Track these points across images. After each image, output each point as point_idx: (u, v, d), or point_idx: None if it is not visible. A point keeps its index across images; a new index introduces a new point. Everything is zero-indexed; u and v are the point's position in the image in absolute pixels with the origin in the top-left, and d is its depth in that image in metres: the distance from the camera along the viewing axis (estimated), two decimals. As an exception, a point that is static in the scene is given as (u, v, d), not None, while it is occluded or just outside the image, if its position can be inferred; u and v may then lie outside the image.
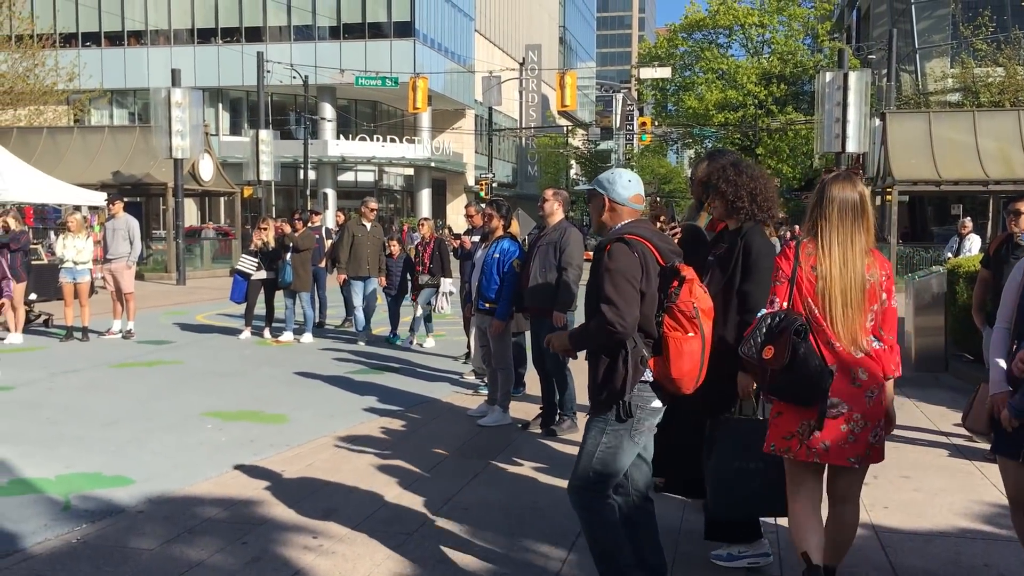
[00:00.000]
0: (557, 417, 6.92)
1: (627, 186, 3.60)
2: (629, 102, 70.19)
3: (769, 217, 4.18)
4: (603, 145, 67.61)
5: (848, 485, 3.54)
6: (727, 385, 3.88)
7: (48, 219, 19.98)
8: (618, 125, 65.82)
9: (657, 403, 3.49)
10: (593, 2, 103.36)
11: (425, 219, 12.06)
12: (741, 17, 49.21)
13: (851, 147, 21.61)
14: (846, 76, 21.64)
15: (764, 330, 3.35)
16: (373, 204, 12.61)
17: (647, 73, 49.73)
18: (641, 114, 58.81)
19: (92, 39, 45.27)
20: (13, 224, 11.87)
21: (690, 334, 3.36)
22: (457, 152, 52.04)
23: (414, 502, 5.12)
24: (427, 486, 5.43)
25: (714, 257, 4.23)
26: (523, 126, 60.74)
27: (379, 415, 7.50)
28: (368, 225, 12.05)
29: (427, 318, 11.55)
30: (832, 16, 51.67)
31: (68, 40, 42.45)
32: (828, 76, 22.12)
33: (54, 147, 25.87)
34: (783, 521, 4.18)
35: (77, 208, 18.66)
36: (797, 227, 19.22)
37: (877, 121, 24.09)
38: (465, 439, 6.65)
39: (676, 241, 4.36)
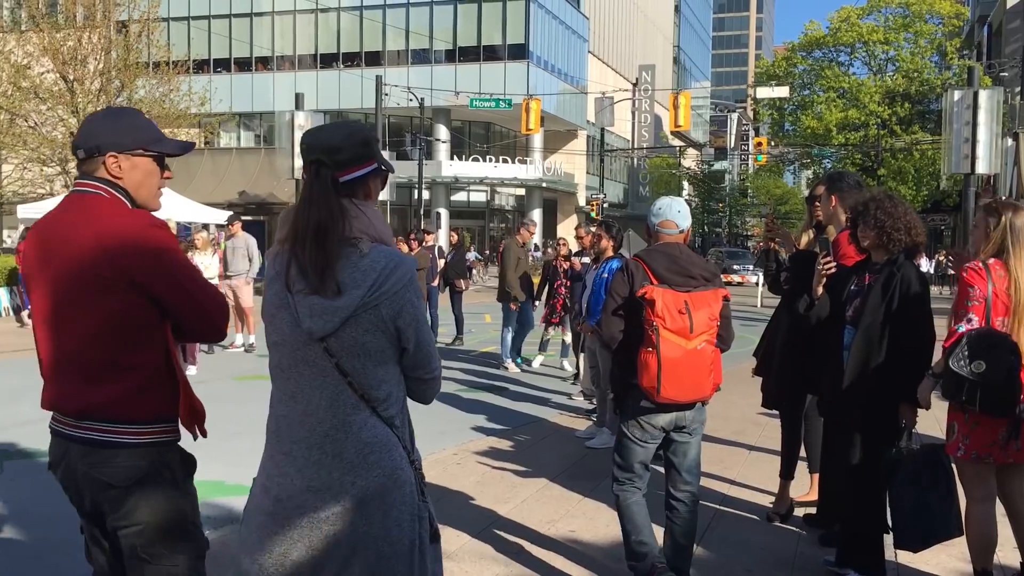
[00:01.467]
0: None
1: (656, 214, 4.04)
2: (744, 122, 69.03)
3: (919, 248, 4.26)
4: (717, 165, 66.71)
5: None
6: (893, 414, 4.07)
7: (179, 236, 20.98)
8: (732, 145, 64.83)
9: (648, 405, 3.83)
10: (709, 22, 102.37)
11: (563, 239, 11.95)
12: (864, 34, 47.88)
13: (981, 168, 20.69)
14: (976, 94, 20.76)
15: (971, 346, 3.63)
16: (533, 227, 12.65)
17: (764, 92, 48.87)
18: (757, 134, 57.80)
19: (223, 65, 47.47)
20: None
21: (649, 349, 3.71)
22: (569, 172, 52.22)
23: (522, 521, 5.15)
24: (535, 506, 5.45)
25: (861, 287, 4.27)
26: (635, 146, 60.51)
27: (487, 434, 7.58)
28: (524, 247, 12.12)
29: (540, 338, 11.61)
30: (961, 32, 49.71)
31: (201, 66, 44.60)
32: (957, 94, 21.26)
33: (186, 168, 27.26)
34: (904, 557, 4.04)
35: (205, 226, 19.59)
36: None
37: (1010, 141, 23.00)
38: (573, 460, 6.66)
39: (828, 272, 4.43)
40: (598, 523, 5.16)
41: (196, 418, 2.61)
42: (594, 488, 5.88)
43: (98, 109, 26.41)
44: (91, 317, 2.39)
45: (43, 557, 4.51)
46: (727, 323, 3.95)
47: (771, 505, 5.43)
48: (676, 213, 3.98)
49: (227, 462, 6.42)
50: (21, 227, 18.67)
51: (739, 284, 31.16)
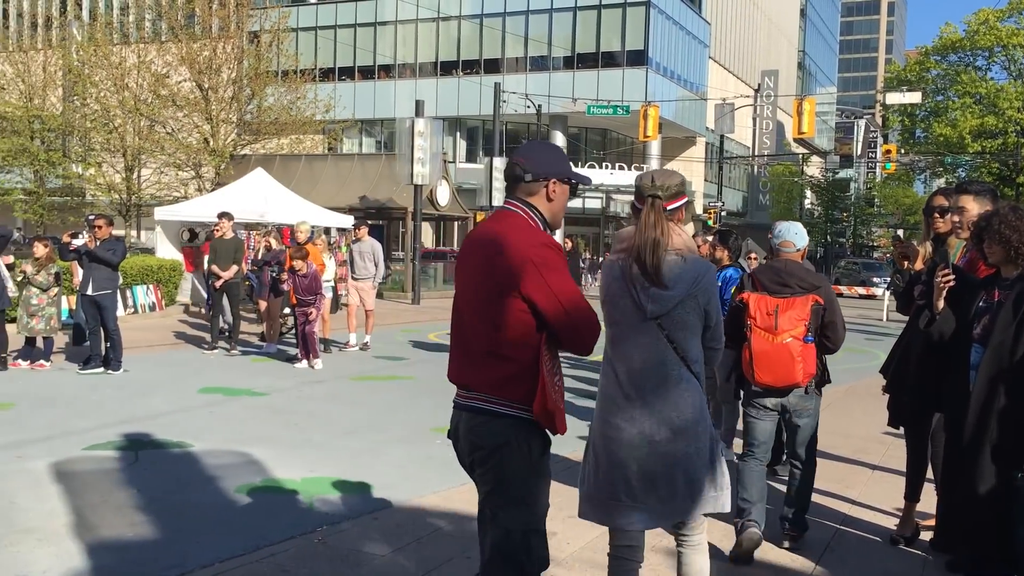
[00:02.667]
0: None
1: (777, 235, 4.84)
2: (872, 129, 66.60)
3: None
4: (842, 173, 64.57)
5: None
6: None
7: (312, 239, 21.63)
8: (859, 153, 62.64)
9: (757, 389, 4.70)
10: (836, 25, 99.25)
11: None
12: (1004, 38, 45.54)
13: None
14: None
15: None
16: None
17: (894, 98, 47.07)
18: (886, 141, 55.66)
19: (347, 73, 48.87)
20: (274, 244, 13.02)
21: (745, 343, 4.68)
22: (686, 180, 51.48)
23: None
24: (646, 517, 5.38)
25: (990, 303, 4.12)
26: (756, 154, 59.18)
27: (600, 442, 7.53)
28: None
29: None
30: (1112, 33, 46.66)
31: (326, 75, 46.03)
32: (1106, 99, 19.95)
33: (310, 173, 28.14)
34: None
35: (326, 230, 20.16)
36: None
37: None
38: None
39: (947, 285, 4.41)
40: (714, 532, 5.04)
41: (547, 417, 2.91)
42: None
43: (231, 116, 27.64)
44: (488, 313, 2.90)
45: (171, 544, 4.72)
46: (833, 326, 4.65)
47: (895, 527, 5.20)
48: (793, 235, 4.79)
49: (345, 459, 6.58)
50: (185, 230, 19.69)
51: (868, 297, 30.00)
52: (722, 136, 46.97)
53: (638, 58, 45.24)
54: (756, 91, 57.41)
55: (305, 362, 11.28)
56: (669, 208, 3.30)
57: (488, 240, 2.95)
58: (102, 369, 10.32)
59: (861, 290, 30.11)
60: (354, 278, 13.21)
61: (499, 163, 29.64)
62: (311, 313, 11.29)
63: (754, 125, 59.50)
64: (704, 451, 3.26)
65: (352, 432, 7.57)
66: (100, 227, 10.35)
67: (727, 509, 3.41)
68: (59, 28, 41.11)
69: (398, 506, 5.47)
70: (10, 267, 11.35)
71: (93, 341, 10.50)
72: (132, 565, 4.41)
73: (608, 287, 3.33)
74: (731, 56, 60.13)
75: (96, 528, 4.90)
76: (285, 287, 11.68)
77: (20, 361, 10.61)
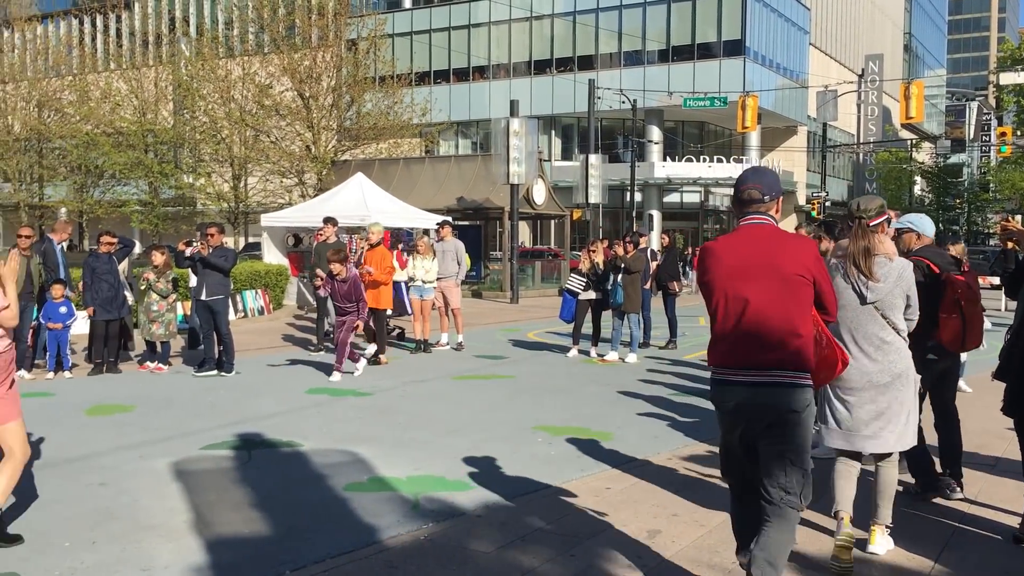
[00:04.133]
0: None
1: (918, 226, 5.72)
2: (986, 111, 63.67)
3: None
4: (953, 158, 61.90)
5: None
6: None
7: (403, 241, 22.02)
8: (972, 136, 59.96)
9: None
10: (944, 5, 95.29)
11: None
12: None
13: None
14: None
15: None
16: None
17: (1008, 78, 44.80)
18: (1000, 123, 53.11)
19: (442, 76, 49.49)
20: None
21: (955, 315, 5.39)
22: (787, 170, 50.27)
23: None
24: (753, 516, 5.27)
25: None
26: (861, 141, 57.31)
27: (701, 439, 7.42)
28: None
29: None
30: None
31: (422, 79, 46.74)
32: None
33: (408, 176, 28.60)
34: None
35: (426, 232, 20.44)
36: None
37: None
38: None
39: None
40: (820, 535, 4.92)
41: (819, 380, 3.91)
42: (818, 500, 5.61)
43: (331, 123, 28.27)
44: (791, 301, 3.64)
45: (284, 541, 4.87)
46: None
47: (1018, 526, 4.97)
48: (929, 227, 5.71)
49: (447, 458, 6.66)
50: (290, 236, 20.38)
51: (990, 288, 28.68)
52: (825, 124, 45.65)
53: (735, 48, 44.39)
54: (860, 76, 55.57)
55: (337, 375, 10.40)
56: (872, 224, 4.51)
57: (778, 245, 3.72)
58: (216, 372, 10.71)
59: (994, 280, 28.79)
60: (437, 278, 13.35)
61: (594, 160, 29.51)
62: (354, 321, 10.55)
63: (858, 112, 57.63)
64: (910, 397, 4.55)
65: (455, 431, 7.66)
66: (212, 235, 10.75)
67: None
68: (169, 45, 42.88)
69: (502, 504, 5.51)
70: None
71: (207, 345, 10.91)
72: (248, 561, 4.57)
73: (837, 281, 4.51)
74: (833, 41, 58.39)
75: (213, 524, 5.09)
76: (322, 293, 11.32)
77: (149, 363, 11.13)
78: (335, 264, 10.40)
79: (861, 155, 60.09)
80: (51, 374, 10.63)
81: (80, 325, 11.66)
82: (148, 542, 4.80)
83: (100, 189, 35.39)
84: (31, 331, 10.74)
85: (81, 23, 48.50)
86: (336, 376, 10.38)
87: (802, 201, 50.61)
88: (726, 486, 5.90)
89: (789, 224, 48.10)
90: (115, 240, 11.17)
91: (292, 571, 4.40)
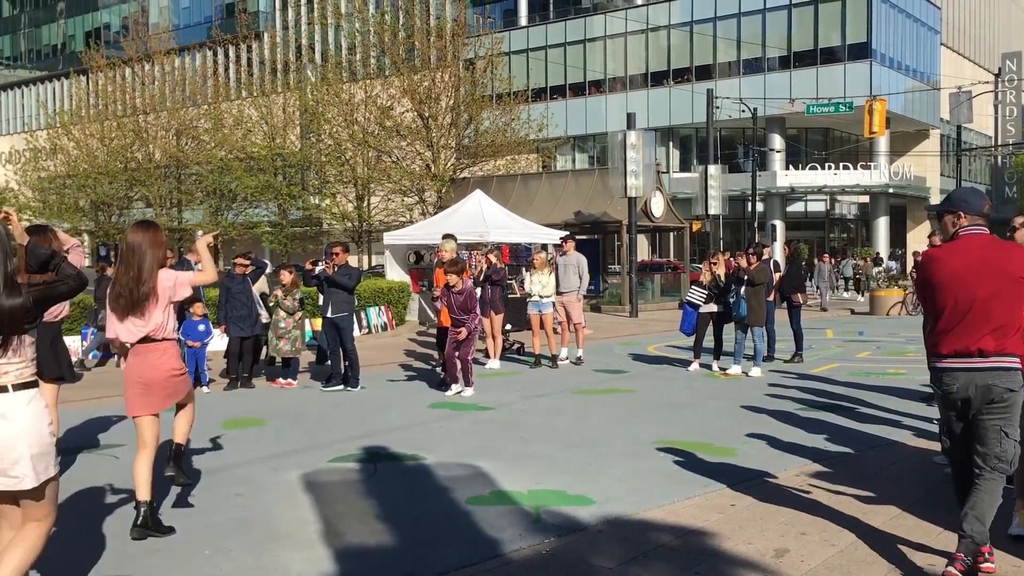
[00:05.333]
0: None
1: None
2: None
3: None
4: (1104, 159, 57.97)
5: None
6: None
7: (521, 257, 22.22)
8: (1125, 134, 55.91)
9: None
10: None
11: None
12: None
13: None
14: None
15: None
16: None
17: None
18: None
19: (558, 92, 49.70)
20: (494, 261, 13.45)
21: None
22: (919, 176, 48.20)
23: (870, 555, 4.81)
24: (886, 538, 5.07)
25: None
26: (999, 143, 54.45)
27: (829, 455, 7.18)
28: None
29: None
30: None
31: (538, 95, 47.06)
32: None
33: (526, 192, 28.82)
34: None
35: (543, 247, 20.53)
36: None
37: None
38: (928, 488, 6.10)
39: None
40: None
41: None
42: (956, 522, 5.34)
43: (450, 142, 28.77)
44: (1010, 299, 4.29)
45: (409, 552, 4.97)
46: None
47: None
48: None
49: (568, 473, 6.66)
50: (411, 253, 20.96)
51: None
52: (959, 127, 43.55)
53: (861, 51, 42.95)
54: (996, 76, 52.82)
55: (455, 387, 10.52)
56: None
57: (998, 251, 4.37)
58: (342, 387, 11.04)
59: None
60: (559, 292, 13.38)
61: (714, 170, 29.03)
62: (461, 333, 10.44)
63: (996, 112, 54.78)
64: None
65: (576, 445, 7.65)
66: (337, 254, 11.10)
67: None
68: (295, 72, 44.61)
69: (624, 519, 5.47)
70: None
71: (333, 361, 11.26)
72: (374, 571, 4.68)
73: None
74: (966, 40, 55.79)
75: (342, 535, 5.24)
76: (439, 304, 11.36)
77: (281, 380, 11.57)
78: (452, 276, 10.54)
79: (999, 158, 57.08)
80: (190, 389, 11.17)
81: (215, 342, 12.21)
82: (281, 551, 4.98)
83: (233, 212, 37.07)
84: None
85: (215, 54, 51.01)
86: (469, 391, 10.47)
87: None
88: (857, 504, 5.72)
89: (923, 231, 46.10)
90: (249, 261, 11.68)
91: (417, 582, 4.48)
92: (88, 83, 45.49)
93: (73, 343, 14.09)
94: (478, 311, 10.87)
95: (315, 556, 4.88)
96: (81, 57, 46.02)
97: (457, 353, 10.48)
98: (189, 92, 41.00)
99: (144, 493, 5.18)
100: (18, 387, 3.49)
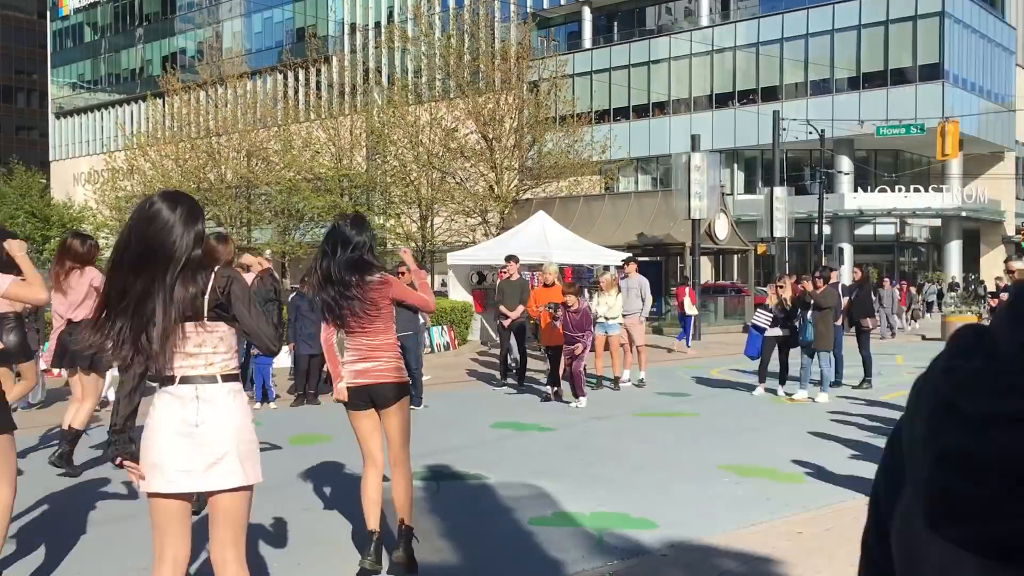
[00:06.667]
0: None
1: None
2: None
3: None
4: None
5: None
6: None
7: (584, 278, 22.22)
8: None
9: None
10: None
11: None
12: None
13: None
14: None
15: None
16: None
17: None
18: None
19: (621, 114, 49.68)
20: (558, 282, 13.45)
21: None
22: (994, 199, 46.93)
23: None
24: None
25: None
26: (1078, 166, 52.78)
27: (903, 485, 7.02)
28: None
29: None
30: None
31: (601, 116, 47.08)
32: None
33: (588, 213, 28.84)
34: None
35: (606, 268, 20.51)
36: None
37: None
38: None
39: None
40: None
41: None
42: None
43: (513, 163, 28.95)
44: None
45: (472, 571, 5.00)
46: None
47: None
48: None
49: (631, 495, 6.63)
50: (474, 273, 21.31)
51: None
52: (1035, 148, 42.41)
53: (932, 72, 42.11)
54: (1075, 96, 51.22)
55: (577, 401, 11.25)
56: None
57: None
58: (405, 404, 11.13)
59: None
60: (622, 314, 13.33)
61: (779, 192, 28.69)
62: (578, 349, 11.22)
63: (1074, 134, 53.11)
64: None
65: (639, 468, 7.61)
66: (403, 274, 11.23)
67: None
68: (362, 94, 45.42)
69: (688, 544, 5.43)
70: None
71: (397, 378, 11.36)
72: (438, 588, 4.72)
73: None
74: (1042, 60, 54.30)
75: (406, 552, 5.29)
76: (557, 323, 11.75)
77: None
78: (570, 296, 11.21)
79: (1079, 180, 55.27)
80: (258, 404, 11.39)
81: (281, 359, 12.43)
82: (348, 567, 5.05)
83: (301, 231, 37.79)
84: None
85: (285, 77, 52.23)
86: (575, 403, 11.11)
87: (1011, 232, 47.00)
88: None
89: (998, 255, 44.81)
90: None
91: (481, 601, 4.50)
92: (164, 106, 46.96)
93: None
94: (592, 329, 11.69)
95: (383, 573, 4.92)
96: (158, 81, 47.55)
97: (571, 367, 11.23)
98: (260, 114, 42.01)
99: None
100: (226, 378, 3.29)
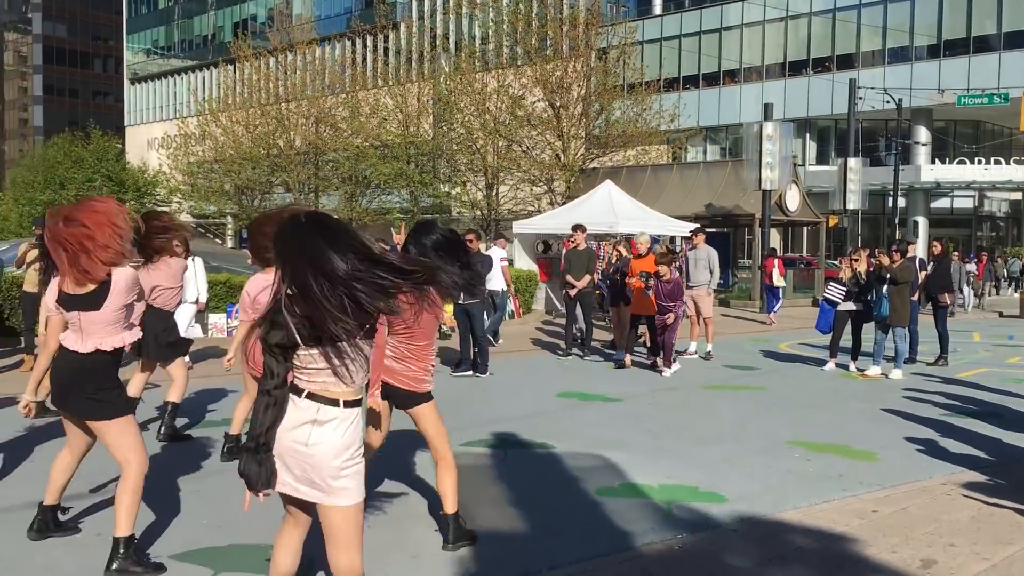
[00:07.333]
0: None
1: None
2: None
3: None
4: None
5: None
6: None
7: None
8: None
9: None
10: None
11: None
12: None
13: None
14: None
15: None
16: None
17: None
18: None
19: (691, 82, 48.78)
20: (624, 252, 13.34)
21: None
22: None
23: (1029, 570, 4.54)
24: (1045, 555, 4.77)
25: None
26: None
27: (979, 464, 6.81)
28: None
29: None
30: None
31: (671, 84, 46.30)
32: None
33: (656, 183, 28.47)
34: None
35: (671, 239, 20.28)
36: None
37: None
38: (1094, 507, 5.70)
39: None
40: None
41: None
42: None
43: (580, 131, 28.67)
44: None
45: (539, 539, 5.00)
46: None
47: None
48: None
49: (700, 468, 6.56)
50: (540, 242, 21.18)
51: None
52: None
53: (1019, 40, 40.40)
54: None
55: (667, 370, 11.42)
56: None
57: None
58: (471, 373, 11.18)
59: None
60: (689, 286, 13.17)
61: (853, 163, 27.95)
62: (670, 318, 11.34)
63: None
64: None
65: (706, 441, 7.52)
66: (471, 241, 11.23)
67: None
68: (430, 61, 45.41)
69: (758, 519, 5.35)
70: None
71: (463, 347, 11.41)
72: (506, 556, 4.73)
73: None
74: None
75: (474, 518, 5.30)
76: (650, 292, 11.75)
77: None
78: (662, 266, 11.26)
79: None
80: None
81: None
82: (417, 530, 5.09)
83: (367, 198, 38.10)
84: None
85: (353, 44, 52.47)
86: (667, 371, 11.39)
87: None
88: (1013, 517, 5.40)
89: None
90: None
91: (549, 570, 4.50)
92: (235, 72, 47.58)
93: (219, 320, 14.82)
94: (683, 299, 11.81)
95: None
96: (229, 47, 48.16)
97: (662, 337, 11.45)
98: (328, 81, 42.32)
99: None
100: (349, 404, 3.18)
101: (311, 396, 3.10)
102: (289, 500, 3.30)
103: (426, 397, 4.78)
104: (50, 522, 4.79)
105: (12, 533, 4.87)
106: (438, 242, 4.58)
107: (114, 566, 4.27)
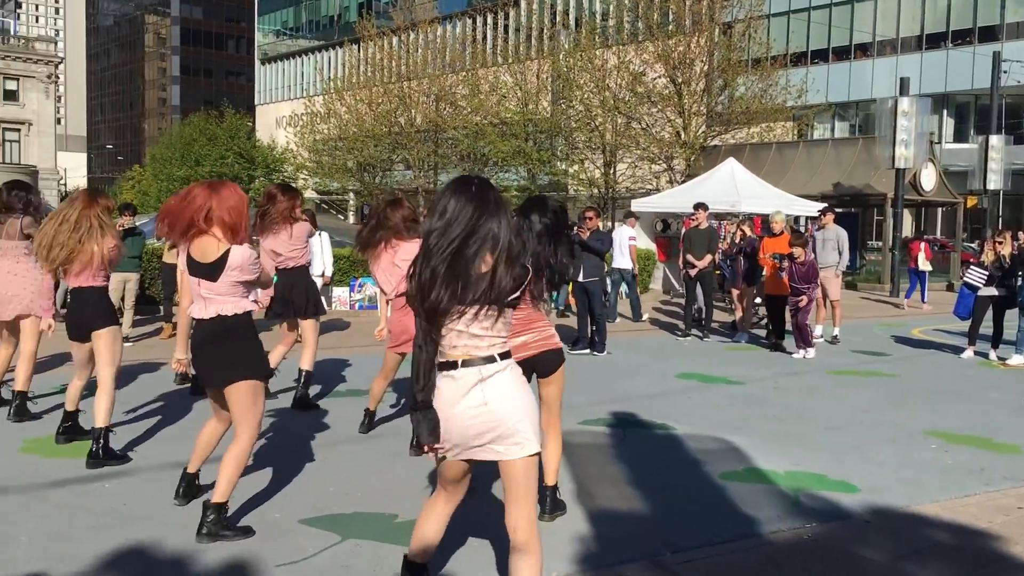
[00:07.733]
0: None
1: None
2: None
3: None
4: None
5: None
6: None
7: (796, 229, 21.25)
8: None
9: None
10: None
11: None
12: None
13: None
14: None
15: None
16: None
17: None
18: None
19: (820, 56, 47.00)
20: (748, 232, 12.99)
21: None
22: None
23: None
24: None
25: None
26: None
27: None
28: None
29: None
30: None
31: (798, 59, 44.74)
32: None
33: (780, 161, 27.60)
34: None
35: (796, 219, 19.61)
36: None
37: None
38: None
39: None
40: None
41: None
42: None
43: (701, 108, 28.01)
44: None
45: (661, 521, 4.90)
46: None
47: None
48: None
49: (829, 456, 6.33)
50: (659, 221, 20.85)
51: None
52: None
53: None
54: None
55: (801, 352, 11.11)
56: None
57: None
58: (588, 351, 11.11)
59: None
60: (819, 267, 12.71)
61: (996, 141, 26.42)
62: (802, 301, 11.10)
63: None
64: None
65: (834, 428, 7.25)
66: (591, 218, 11.14)
67: None
68: (549, 38, 45.19)
69: (893, 511, 5.11)
70: None
71: (581, 324, 11.35)
72: (627, 537, 4.66)
73: None
74: None
75: (595, 498, 5.26)
76: (783, 274, 11.45)
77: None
78: (797, 248, 11.05)
79: None
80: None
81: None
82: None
83: (486, 175, 38.34)
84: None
85: (474, 22, 52.73)
86: (801, 353, 11.08)
87: None
88: None
89: None
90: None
91: (673, 553, 4.41)
92: (360, 51, 48.55)
93: (343, 293, 15.18)
94: (818, 281, 11.60)
95: (570, 516, 4.91)
96: (354, 27, 49.15)
97: (796, 319, 11.20)
98: (449, 59, 42.68)
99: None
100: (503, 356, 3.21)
101: (466, 363, 3.14)
102: (452, 473, 3.32)
103: (562, 356, 4.82)
104: (193, 487, 4.97)
105: (160, 492, 5.11)
106: (544, 221, 4.74)
107: (204, 530, 4.38)
